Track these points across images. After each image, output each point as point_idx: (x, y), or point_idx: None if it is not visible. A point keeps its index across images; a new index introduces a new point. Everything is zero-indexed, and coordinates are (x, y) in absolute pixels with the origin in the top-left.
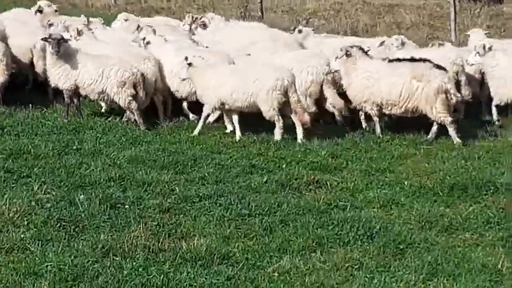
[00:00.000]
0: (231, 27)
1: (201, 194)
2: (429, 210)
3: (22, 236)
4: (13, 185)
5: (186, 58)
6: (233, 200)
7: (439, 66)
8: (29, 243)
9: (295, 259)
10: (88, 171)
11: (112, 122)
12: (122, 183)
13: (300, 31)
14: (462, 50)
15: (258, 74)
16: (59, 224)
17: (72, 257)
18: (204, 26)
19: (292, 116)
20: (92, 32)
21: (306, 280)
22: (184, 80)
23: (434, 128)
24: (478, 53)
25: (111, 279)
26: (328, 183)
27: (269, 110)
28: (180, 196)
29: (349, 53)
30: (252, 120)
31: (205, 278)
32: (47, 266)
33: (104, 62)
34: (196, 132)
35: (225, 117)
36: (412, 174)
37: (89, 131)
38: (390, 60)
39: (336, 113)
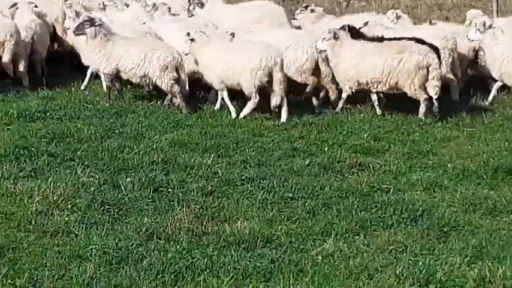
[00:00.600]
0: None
1: (243, 177)
2: (473, 193)
3: (66, 219)
4: (56, 169)
5: (188, 34)
6: (275, 183)
7: (426, 44)
8: (73, 227)
9: (339, 242)
10: (131, 154)
11: (154, 105)
12: (165, 166)
13: (312, 10)
14: (457, 28)
15: (244, 53)
16: (102, 208)
17: (117, 240)
18: (202, 5)
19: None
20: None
21: (350, 263)
22: (186, 54)
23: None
24: (479, 29)
25: (156, 262)
26: (370, 166)
27: (250, 87)
28: (223, 179)
29: (336, 35)
30: (293, 102)
31: (249, 261)
32: (91, 249)
33: (146, 46)
34: (242, 115)
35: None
36: (455, 156)
37: (131, 114)
38: (375, 40)
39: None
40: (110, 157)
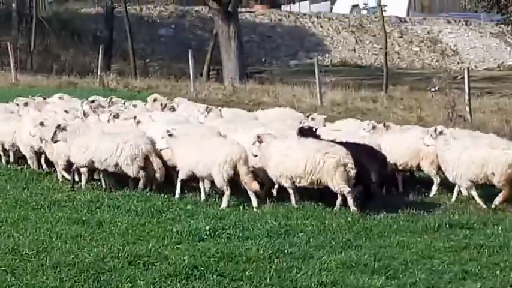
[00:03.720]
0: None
1: None
2: None
3: None
4: None
5: (168, 130)
6: None
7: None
8: None
9: None
10: (299, 275)
11: (322, 223)
12: (333, 287)
13: (312, 118)
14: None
15: (213, 148)
16: None
17: None
18: (173, 109)
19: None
20: None
21: None
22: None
23: (338, 200)
24: (431, 135)
25: None
26: None
27: (220, 181)
28: None
29: (260, 139)
30: None
31: None
32: None
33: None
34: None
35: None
36: None
37: (300, 233)
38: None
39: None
40: (277, 277)
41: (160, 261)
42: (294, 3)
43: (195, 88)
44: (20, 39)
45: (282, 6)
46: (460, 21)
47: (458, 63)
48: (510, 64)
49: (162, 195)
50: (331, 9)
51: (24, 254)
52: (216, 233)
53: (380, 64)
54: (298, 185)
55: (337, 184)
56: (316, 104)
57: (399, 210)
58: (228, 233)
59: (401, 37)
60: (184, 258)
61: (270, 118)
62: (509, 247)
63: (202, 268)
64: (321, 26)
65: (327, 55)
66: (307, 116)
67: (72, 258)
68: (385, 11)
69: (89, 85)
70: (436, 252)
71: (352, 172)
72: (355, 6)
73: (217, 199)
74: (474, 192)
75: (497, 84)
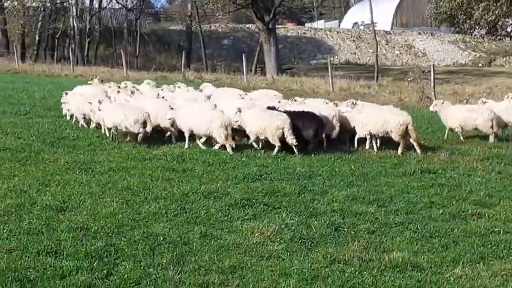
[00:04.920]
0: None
1: (396, 221)
2: None
3: (276, 248)
4: (269, 213)
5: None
6: (419, 226)
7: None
8: (281, 253)
9: (465, 268)
10: (318, 205)
11: (333, 170)
12: (342, 213)
13: (295, 100)
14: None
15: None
16: (300, 241)
17: (310, 264)
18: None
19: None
20: None
21: (474, 283)
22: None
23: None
24: (349, 105)
25: (336, 280)
26: (486, 214)
27: (219, 138)
28: (382, 222)
29: (239, 109)
30: None
31: (401, 280)
32: (293, 269)
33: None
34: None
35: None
36: None
37: (318, 177)
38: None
39: None
40: (304, 206)
41: (225, 196)
42: (313, 21)
43: (247, 80)
44: (129, 47)
45: (306, 24)
46: (427, 32)
47: (426, 62)
48: (461, 62)
49: (227, 151)
50: (339, 25)
51: (134, 191)
52: (262, 176)
53: (372, 63)
54: (261, 138)
55: (274, 140)
56: (329, 90)
57: (387, 160)
58: (270, 176)
59: (387, 44)
60: (241, 193)
61: (258, 96)
62: (461, 186)
63: (253, 200)
64: (332, 37)
65: (336, 57)
66: (294, 100)
67: (166, 193)
68: (376, 26)
69: (175, 78)
70: (411, 189)
71: (289, 132)
72: (355, 23)
73: (262, 153)
74: (374, 143)
75: (453, 76)
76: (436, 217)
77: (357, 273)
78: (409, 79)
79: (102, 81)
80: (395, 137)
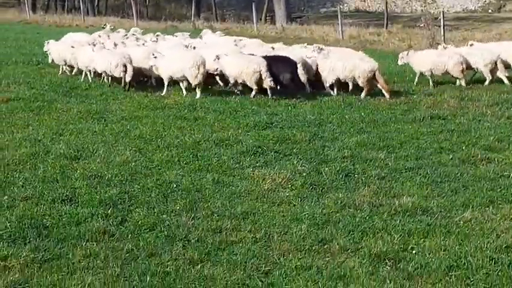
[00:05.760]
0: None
1: (406, 167)
2: None
3: (287, 194)
4: (280, 161)
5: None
6: (429, 171)
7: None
8: (292, 199)
9: (475, 212)
10: (329, 151)
11: (343, 117)
12: (352, 159)
13: (273, 48)
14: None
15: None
16: (311, 187)
17: (321, 209)
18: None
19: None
20: None
21: (483, 227)
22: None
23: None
24: (315, 51)
25: (348, 223)
26: (495, 159)
27: (193, 79)
28: (392, 168)
29: (218, 57)
30: None
31: (412, 224)
32: (304, 214)
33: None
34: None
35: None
36: None
37: (329, 124)
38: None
39: None
40: (315, 153)
41: (236, 143)
42: None
43: (257, 28)
44: None
45: None
46: None
47: (435, 8)
48: (471, 8)
49: (237, 99)
50: None
51: (146, 139)
52: (273, 124)
53: (382, 10)
54: (239, 82)
55: (251, 83)
56: (339, 38)
57: (397, 107)
58: (280, 124)
59: None
60: (252, 141)
61: (245, 44)
62: (470, 131)
63: (264, 147)
64: None
65: (345, 4)
66: (272, 48)
67: (178, 141)
68: None
69: (185, 27)
70: (421, 135)
71: (266, 74)
72: None
73: (273, 102)
74: (335, 89)
75: (463, 22)
76: (446, 162)
77: (367, 217)
78: (420, 25)
79: (113, 28)
80: (361, 82)
